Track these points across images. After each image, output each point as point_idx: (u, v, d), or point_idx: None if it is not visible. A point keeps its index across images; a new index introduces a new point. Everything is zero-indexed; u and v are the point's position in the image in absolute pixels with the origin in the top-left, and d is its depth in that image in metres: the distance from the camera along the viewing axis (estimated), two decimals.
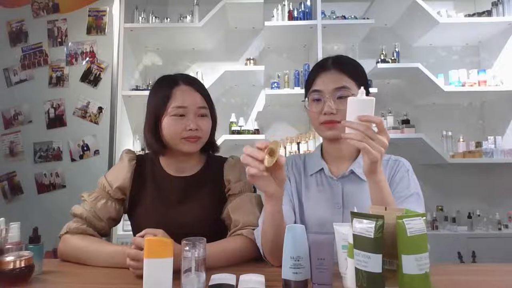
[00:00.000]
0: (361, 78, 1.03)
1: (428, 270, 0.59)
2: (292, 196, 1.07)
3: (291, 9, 2.62)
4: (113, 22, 2.58)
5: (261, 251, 0.96)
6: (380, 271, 0.59)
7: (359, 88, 0.98)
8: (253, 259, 0.99)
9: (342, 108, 0.95)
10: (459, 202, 2.66)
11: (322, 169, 1.06)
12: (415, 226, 0.59)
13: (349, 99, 0.82)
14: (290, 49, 2.94)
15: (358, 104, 0.80)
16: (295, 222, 1.06)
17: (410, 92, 2.82)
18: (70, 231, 1.02)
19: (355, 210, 0.68)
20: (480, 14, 2.61)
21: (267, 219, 0.89)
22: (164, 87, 1.10)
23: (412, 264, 0.58)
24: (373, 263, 0.59)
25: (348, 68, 1.02)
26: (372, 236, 0.60)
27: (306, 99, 1.05)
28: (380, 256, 0.59)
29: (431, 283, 0.60)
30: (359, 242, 0.62)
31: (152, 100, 1.12)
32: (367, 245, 0.60)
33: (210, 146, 1.18)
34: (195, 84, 1.12)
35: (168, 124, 1.06)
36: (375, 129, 0.80)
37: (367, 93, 1.03)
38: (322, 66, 1.04)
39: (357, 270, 0.62)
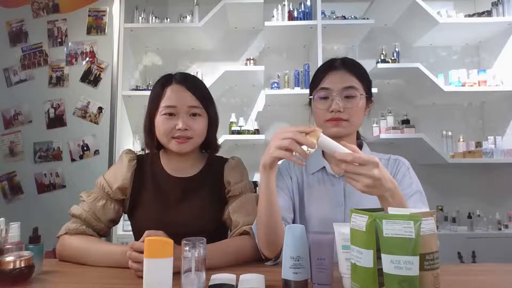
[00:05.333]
0: (367, 81, 1.07)
1: (362, 265, 0.62)
2: (293, 194, 1.07)
3: (291, 9, 2.62)
4: (113, 22, 2.58)
5: (258, 246, 0.97)
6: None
7: (365, 90, 1.03)
8: (253, 259, 0.99)
9: (349, 107, 1.00)
10: (459, 202, 2.66)
11: (324, 167, 1.07)
12: (356, 222, 0.65)
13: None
14: (290, 49, 2.94)
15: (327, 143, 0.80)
16: (294, 221, 1.07)
17: (410, 92, 2.82)
18: (69, 232, 1.02)
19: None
20: (480, 14, 2.61)
21: (262, 197, 0.90)
22: (158, 86, 1.10)
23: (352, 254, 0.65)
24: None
25: (356, 69, 1.05)
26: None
27: (312, 96, 1.07)
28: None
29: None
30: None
31: (148, 99, 1.12)
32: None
33: (208, 146, 1.17)
34: (188, 83, 1.09)
35: (158, 123, 1.07)
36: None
37: (370, 96, 1.06)
38: (330, 66, 1.06)
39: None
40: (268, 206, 0.89)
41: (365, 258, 0.62)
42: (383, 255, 0.60)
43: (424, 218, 0.61)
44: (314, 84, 1.09)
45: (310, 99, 1.10)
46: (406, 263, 0.58)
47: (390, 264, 0.59)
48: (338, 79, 1.02)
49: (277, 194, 0.92)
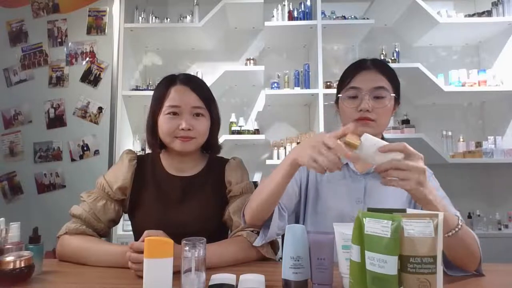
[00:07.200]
0: (396, 82, 1.06)
1: (353, 259, 0.64)
2: (306, 188, 1.09)
3: (291, 9, 2.62)
4: (113, 22, 2.58)
5: (242, 211, 0.99)
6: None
7: (394, 91, 1.03)
8: (253, 259, 0.99)
9: (378, 107, 1.00)
10: (459, 202, 2.62)
11: (347, 164, 1.08)
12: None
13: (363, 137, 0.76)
14: (290, 49, 2.94)
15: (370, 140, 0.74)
16: (304, 215, 1.09)
17: (410, 92, 2.81)
18: (69, 232, 1.02)
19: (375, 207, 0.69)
20: (480, 14, 2.61)
21: (273, 182, 0.89)
22: (162, 86, 1.11)
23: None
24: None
25: (387, 70, 1.05)
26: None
27: (341, 95, 1.06)
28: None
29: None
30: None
31: (152, 99, 1.13)
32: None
33: (210, 147, 1.18)
34: (192, 83, 1.11)
35: (162, 123, 1.07)
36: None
37: (398, 97, 1.06)
38: (360, 65, 1.06)
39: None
40: (275, 192, 0.90)
41: (354, 253, 0.64)
42: (365, 251, 0.62)
43: (416, 219, 0.60)
44: (343, 83, 1.08)
45: (337, 98, 1.10)
46: (379, 261, 0.59)
47: (367, 260, 0.61)
48: (369, 79, 1.02)
49: None
